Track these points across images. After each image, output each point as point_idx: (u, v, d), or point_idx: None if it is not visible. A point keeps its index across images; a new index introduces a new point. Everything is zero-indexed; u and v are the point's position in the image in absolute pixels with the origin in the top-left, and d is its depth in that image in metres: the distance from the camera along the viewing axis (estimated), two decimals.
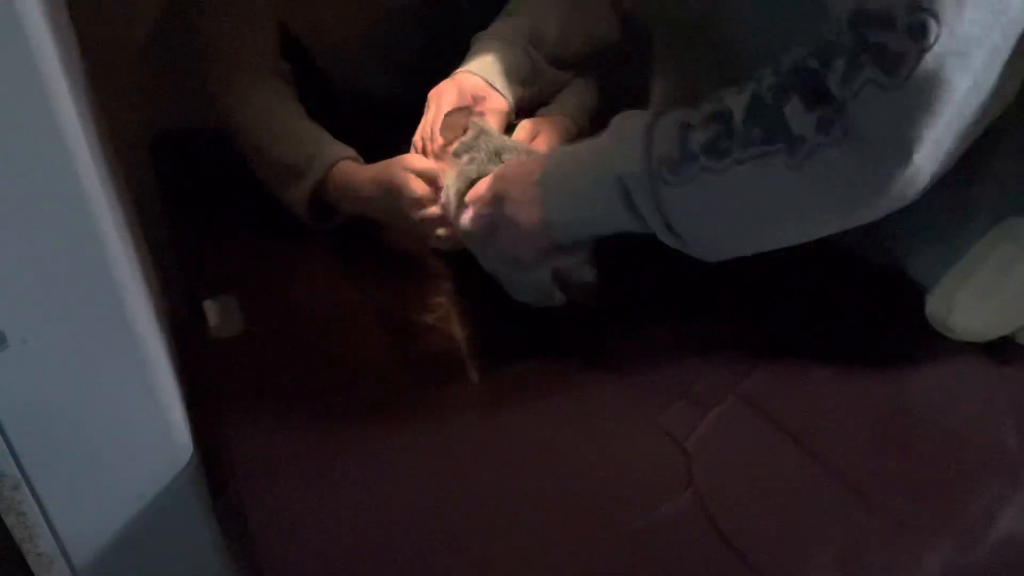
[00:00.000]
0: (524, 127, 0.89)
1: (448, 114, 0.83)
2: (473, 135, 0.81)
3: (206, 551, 0.77)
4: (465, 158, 0.79)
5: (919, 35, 0.53)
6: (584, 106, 0.98)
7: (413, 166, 0.84)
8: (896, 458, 0.66)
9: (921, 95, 0.55)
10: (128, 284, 0.62)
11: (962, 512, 0.62)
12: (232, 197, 1.00)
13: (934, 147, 0.57)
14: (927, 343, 0.74)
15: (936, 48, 0.53)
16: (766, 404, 0.70)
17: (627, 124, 0.68)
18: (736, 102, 0.63)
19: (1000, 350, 0.74)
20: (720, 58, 0.78)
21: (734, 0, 0.74)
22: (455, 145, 0.81)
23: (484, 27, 0.94)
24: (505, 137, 0.83)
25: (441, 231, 0.83)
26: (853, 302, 0.82)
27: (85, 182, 0.56)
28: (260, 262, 0.91)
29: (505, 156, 0.78)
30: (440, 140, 0.83)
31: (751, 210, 0.64)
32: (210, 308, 0.83)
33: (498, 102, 0.87)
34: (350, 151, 0.91)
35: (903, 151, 0.57)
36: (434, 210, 0.82)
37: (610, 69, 1.01)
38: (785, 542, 0.60)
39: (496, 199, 0.72)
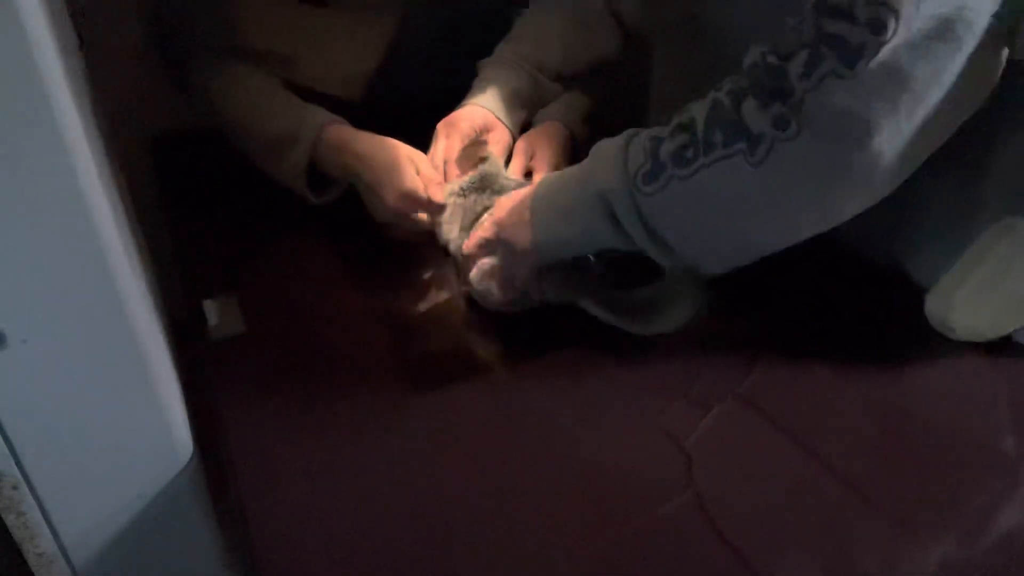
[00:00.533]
0: (519, 150, 0.93)
1: (466, 147, 0.88)
2: (478, 176, 0.85)
3: (206, 551, 0.77)
4: (472, 198, 0.84)
5: (878, 28, 0.55)
6: (579, 109, 0.99)
7: (421, 167, 0.85)
8: (896, 458, 0.67)
9: (877, 84, 0.57)
10: (128, 284, 0.62)
11: (961, 511, 0.62)
12: (232, 197, 1.00)
13: (893, 133, 0.58)
14: (927, 343, 0.74)
15: (894, 41, 0.55)
16: (766, 404, 0.71)
17: (606, 145, 0.72)
18: (699, 110, 0.65)
19: (999, 350, 0.74)
20: (719, 62, 0.79)
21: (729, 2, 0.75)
22: (452, 185, 0.86)
23: (490, 50, 0.96)
24: (511, 178, 0.87)
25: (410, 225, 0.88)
26: (853, 302, 0.82)
27: (85, 182, 0.56)
28: (260, 262, 0.91)
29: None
30: (457, 171, 0.88)
31: (725, 212, 0.65)
32: (210, 308, 0.83)
33: (503, 134, 0.92)
34: (338, 117, 0.93)
35: (860, 137, 0.58)
36: (422, 217, 0.87)
37: (611, 75, 1.02)
38: (785, 542, 0.60)
39: (495, 224, 0.77)
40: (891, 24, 0.54)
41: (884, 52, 0.55)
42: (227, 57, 0.97)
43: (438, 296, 0.85)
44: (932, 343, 0.73)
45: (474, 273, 0.79)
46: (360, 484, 0.65)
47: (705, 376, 0.73)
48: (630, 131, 0.71)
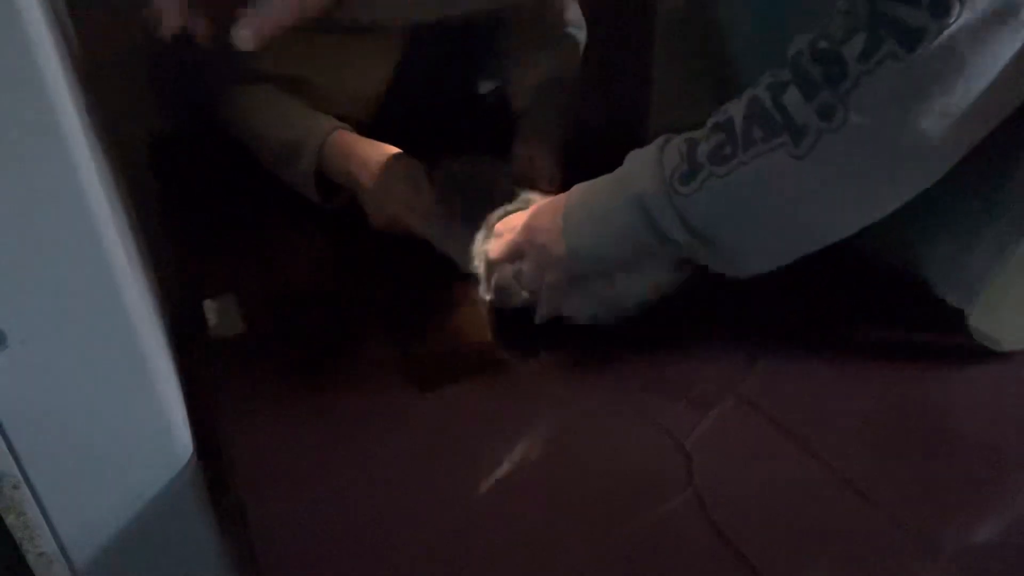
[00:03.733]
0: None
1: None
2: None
3: (206, 551, 0.77)
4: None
5: (941, 12, 0.54)
6: (560, 109, 1.00)
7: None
8: (896, 458, 0.66)
9: (934, 67, 0.56)
10: (128, 284, 0.62)
11: (964, 514, 0.62)
12: (232, 198, 1.00)
13: (944, 116, 0.58)
14: (930, 342, 0.74)
15: (956, 25, 0.54)
16: (766, 404, 0.71)
17: (639, 152, 0.71)
18: (736, 108, 0.65)
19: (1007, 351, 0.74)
20: (723, 58, 0.79)
21: None
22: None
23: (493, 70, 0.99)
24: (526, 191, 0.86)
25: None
26: (856, 300, 0.82)
27: (85, 182, 0.56)
28: (260, 262, 0.91)
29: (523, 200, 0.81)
30: None
31: (768, 206, 0.65)
32: (210, 308, 0.83)
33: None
34: (345, 124, 0.95)
35: (911, 120, 0.58)
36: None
37: (610, 77, 1.03)
38: (785, 542, 0.60)
39: (527, 228, 0.75)
40: (956, 7, 0.54)
41: (945, 36, 0.55)
42: (244, 82, 1.01)
43: (439, 296, 0.85)
44: (936, 342, 0.73)
45: (497, 278, 0.78)
46: (360, 484, 0.65)
47: (705, 376, 0.73)
48: (664, 136, 0.70)
